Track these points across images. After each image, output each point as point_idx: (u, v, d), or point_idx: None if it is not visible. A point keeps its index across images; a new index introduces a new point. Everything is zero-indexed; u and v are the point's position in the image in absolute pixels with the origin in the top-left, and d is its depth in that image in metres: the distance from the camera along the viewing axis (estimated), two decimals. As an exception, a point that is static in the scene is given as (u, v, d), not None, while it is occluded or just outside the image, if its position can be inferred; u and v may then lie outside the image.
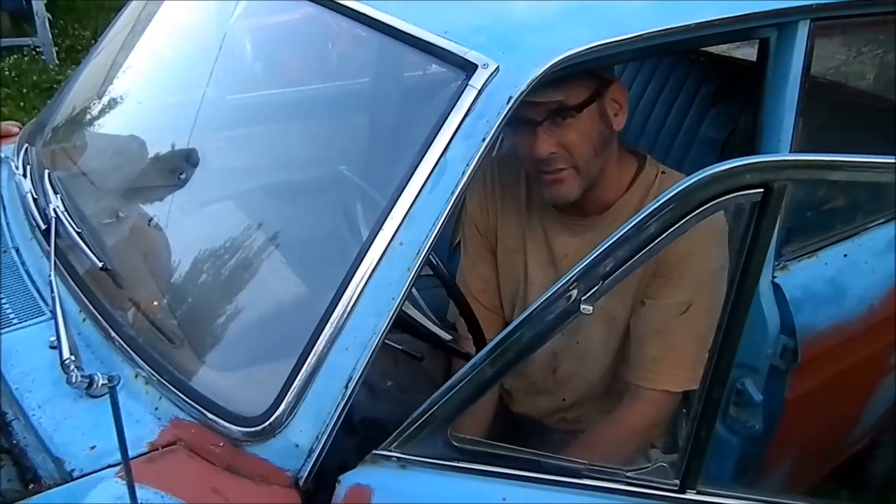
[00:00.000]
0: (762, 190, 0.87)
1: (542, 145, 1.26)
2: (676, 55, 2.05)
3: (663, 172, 1.40)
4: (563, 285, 0.93)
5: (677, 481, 0.99)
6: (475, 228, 1.53)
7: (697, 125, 2.06)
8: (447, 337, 1.33)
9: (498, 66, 1.07)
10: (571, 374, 1.48)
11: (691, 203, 0.91)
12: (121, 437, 0.87)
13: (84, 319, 1.22)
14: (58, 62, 5.56)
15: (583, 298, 0.92)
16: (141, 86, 1.79)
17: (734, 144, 1.93)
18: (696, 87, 2.08)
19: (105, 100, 1.78)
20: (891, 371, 1.83)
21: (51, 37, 5.61)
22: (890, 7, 1.54)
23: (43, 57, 5.59)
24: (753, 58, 1.66)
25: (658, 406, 1.34)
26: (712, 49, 2.14)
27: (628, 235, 0.91)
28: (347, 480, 1.02)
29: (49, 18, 5.58)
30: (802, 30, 1.39)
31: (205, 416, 1.05)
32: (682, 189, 0.89)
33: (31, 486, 1.02)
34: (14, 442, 1.07)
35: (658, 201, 0.90)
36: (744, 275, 0.90)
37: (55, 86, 4.87)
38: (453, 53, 1.10)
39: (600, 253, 0.92)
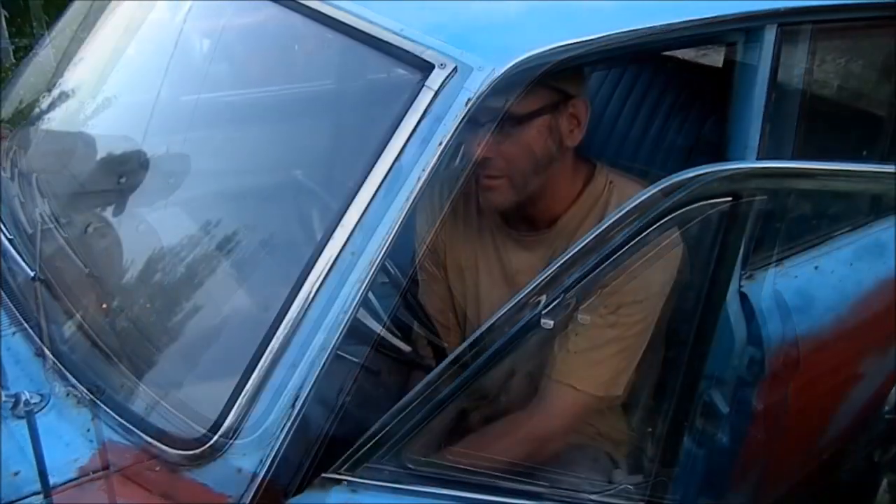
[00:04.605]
0: (731, 199, 0.83)
1: (478, 148, 1.19)
2: (642, 59, 2.02)
3: (611, 182, 1.35)
4: (521, 299, 0.88)
5: (642, 503, 0.95)
6: (424, 245, 1.48)
7: (664, 131, 2.03)
8: (406, 349, 1.28)
9: (456, 67, 1.02)
10: (524, 391, 1.43)
11: (655, 212, 0.86)
12: (40, 464, 0.80)
13: (14, 333, 1.14)
14: (14, 61, 5.40)
15: (543, 313, 0.87)
16: (89, 84, 1.71)
17: (701, 152, 1.90)
18: (661, 94, 2.05)
19: (51, 97, 1.69)
20: (858, 380, 1.82)
21: (7, 35, 5.45)
22: (857, 13, 1.52)
23: (-1, 56, 5.43)
24: (716, 66, 1.65)
25: (564, 403, 1.26)
26: (679, 55, 2.12)
27: (590, 247, 0.87)
28: (294, 506, 0.95)
29: (6, 16, 5.42)
30: (769, 35, 1.36)
31: (141, 438, 0.98)
32: (646, 198, 0.84)
33: (-53, 516, 0.94)
34: (-70, 467, 0.99)
35: (620, 211, 0.85)
36: (712, 285, 0.85)
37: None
38: (409, 52, 1.04)
39: (560, 265, 0.87)
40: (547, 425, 1.29)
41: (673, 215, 0.85)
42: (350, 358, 1.34)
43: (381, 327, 1.22)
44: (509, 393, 1.44)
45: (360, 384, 1.38)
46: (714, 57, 2.30)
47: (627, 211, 0.85)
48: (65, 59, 1.74)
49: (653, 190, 0.85)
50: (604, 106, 2.09)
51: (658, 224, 0.86)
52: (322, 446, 1.13)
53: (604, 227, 0.86)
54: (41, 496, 0.92)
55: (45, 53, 1.81)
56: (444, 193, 1.43)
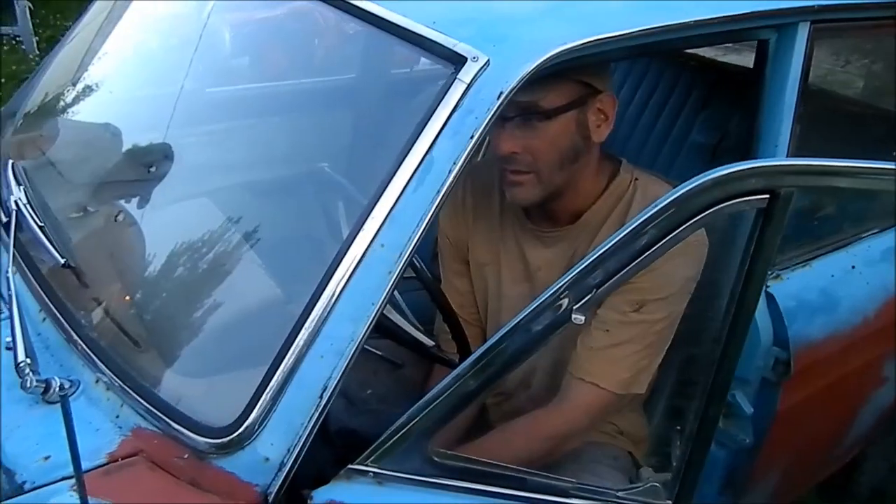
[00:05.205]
0: (768, 196, 0.82)
1: (505, 143, 1.20)
2: (671, 55, 2.01)
3: (636, 179, 1.34)
4: (553, 294, 0.88)
5: (669, 502, 0.94)
6: (448, 241, 1.47)
7: (687, 131, 2.02)
8: (429, 343, 1.28)
9: (488, 60, 1.01)
10: (544, 387, 1.43)
11: (691, 208, 0.85)
12: (73, 449, 0.80)
13: (44, 319, 1.15)
14: (38, 52, 5.45)
15: (574, 308, 0.87)
16: (115, 75, 1.71)
17: (725, 150, 1.89)
18: (685, 92, 2.04)
19: (78, 88, 1.70)
20: (882, 383, 1.80)
21: (31, 26, 5.50)
22: (891, 11, 1.50)
23: (23, 47, 5.48)
24: (739, 64, 1.62)
25: (586, 401, 1.25)
26: (702, 53, 2.11)
27: (623, 242, 0.86)
28: (320, 497, 0.95)
29: (30, 8, 5.47)
30: (802, 32, 1.35)
31: (169, 425, 0.98)
32: (682, 194, 0.83)
33: (-22, 499, 0.95)
34: (-38, 450, 1.00)
35: (656, 206, 0.84)
36: (746, 285, 0.84)
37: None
38: (441, 45, 1.04)
39: (593, 260, 0.87)
40: (568, 422, 1.28)
41: (709, 211, 0.84)
42: (374, 351, 1.35)
43: (404, 321, 1.22)
44: (530, 389, 1.43)
45: (384, 377, 1.39)
46: (732, 56, 2.29)
47: (663, 206, 0.84)
48: (89, 53, 1.75)
49: (689, 186, 0.84)
50: (626, 104, 2.08)
51: (694, 220, 0.85)
52: (348, 438, 1.13)
53: (639, 222, 0.85)
54: (70, 481, 0.93)
55: (70, 47, 1.82)
56: (468, 187, 1.43)
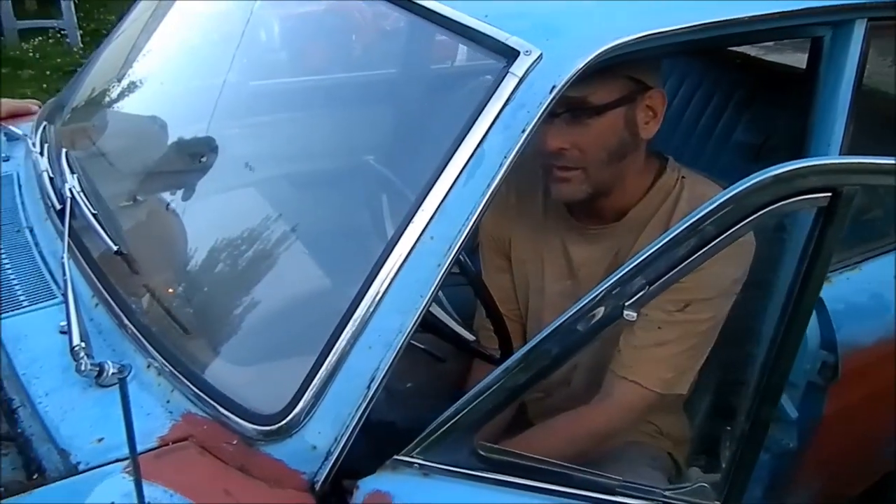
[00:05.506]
0: (829, 194, 0.81)
1: (553, 139, 1.19)
2: (716, 53, 1.98)
3: (684, 177, 1.32)
4: (605, 289, 0.87)
5: (718, 503, 0.93)
6: (490, 237, 1.47)
7: (730, 130, 1.99)
8: (470, 338, 1.27)
9: (541, 54, 1.00)
10: (583, 387, 1.42)
11: (749, 206, 0.84)
12: (129, 431, 0.82)
13: (96, 305, 1.17)
14: (81, 45, 5.57)
15: (626, 304, 0.86)
16: (162, 68, 1.74)
17: (769, 150, 1.86)
18: (729, 91, 2.01)
19: (126, 81, 1.74)
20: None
21: (76, 20, 5.62)
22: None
23: (67, 40, 5.60)
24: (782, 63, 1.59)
25: (628, 399, 1.24)
26: (749, 51, 2.07)
27: (678, 238, 0.85)
28: (366, 486, 0.96)
29: (74, 1, 5.58)
30: (859, 29, 1.32)
31: (218, 411, 0.99)
32: (741, 191, 0.82)
33: (34, 478, 0.97)
34: (19, 430, 1.02)
35: (713, 203, 0.83)
36: (804, 286, 0.83)
37: (78, 69, 4.87)
38: (494, 39, 1.03)
39: (647, 256, 0.86)
40: (610, 421, 1.27)
41: (768, 209, 0.83)
42: (417, 344, 1.35)
43: (446, 315, 1.22)
44: (570, 387, 1.43)
45: (424, 371, 1.39)
46: (774, 56, 2.25)
47: (720, 203, 0.83)
48: (134, 49, 1.78)
49: (747, 183, 0.82)
50: (668, 102, 2.05)
51: (751, 218, 0.83)
52: (394, 429, 1.14)
53: (695, 219, 0.84)
54: (123, 463, 0.95)
55: (116, 44, 1.85)
56: (511, 184, 1.42)
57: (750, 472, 0.92)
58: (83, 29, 5.73)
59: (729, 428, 0.96)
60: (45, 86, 4.82)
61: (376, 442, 1.12)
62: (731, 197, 0.83)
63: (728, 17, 1.14)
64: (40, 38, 5.51)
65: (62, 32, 5.58)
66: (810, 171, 0.81)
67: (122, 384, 0.79)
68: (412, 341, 1.22)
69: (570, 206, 1.38)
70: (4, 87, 4.51)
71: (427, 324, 1.14)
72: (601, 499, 0.95)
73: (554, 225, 1.40)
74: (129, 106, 1.70)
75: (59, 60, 5.29)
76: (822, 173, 0.82)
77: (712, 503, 0.93)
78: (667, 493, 0.94)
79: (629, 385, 1.24)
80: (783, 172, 0.81)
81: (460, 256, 1.12)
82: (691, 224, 0.85)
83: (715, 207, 0.83)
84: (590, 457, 1.25)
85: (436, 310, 1.18)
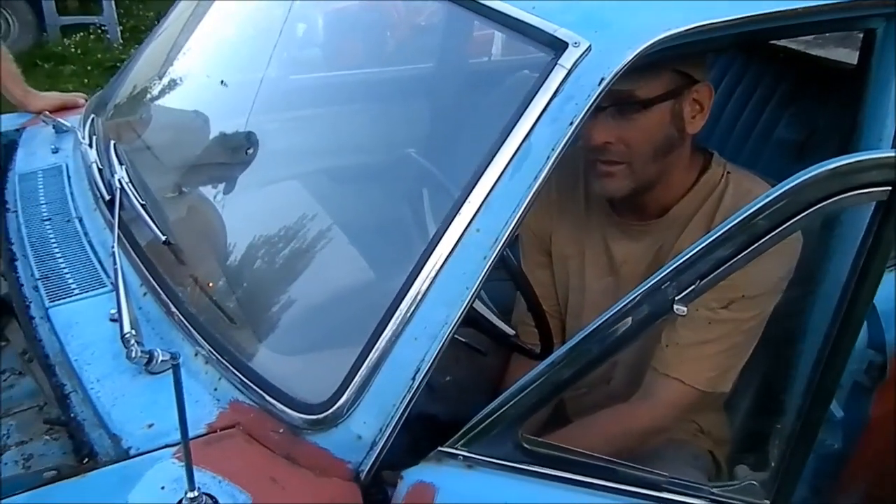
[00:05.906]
0: (890, 188, 0.79)
1: (598, 133, 1.17)
2: (759, 46, 1.94)
3: (729, 173, 1.29)
4: (654, 283, 0.86)
5: (767, 502, 0.91)
6: (531, 233, 1.46)
7: (773, 125, 1.95)
8: (510, 332, 1.27)
9: (590, 46, 0.99)
10: (624, 384, 1.40)
11: (804, 201, 0.82)
12: (182, 418, 0.83)
13: (145, 294, 1.19)
14: (122, 41, 5.67)
15: (677, 298, 0.85)
16: (204, 64, 1.76)
17: (813, 146, 1.82)
18: (772, 86, 1.97)
19: (169, 76, 1.76)
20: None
21: (116, 16, 5.72)
22: None
23: (108, 36, 5.70)
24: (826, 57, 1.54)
25: (670, 397, 1.22)
26: (792, 45, 2.03)
27: (731, 232, 0.84)
28: (410, 477, 0.96)
29: (115, -1, 5.68)
30: (913, 21, 1.28)
31: (265, 400, 1.01)
32: (797, 184, 0.80)
33: (86, 462, 0.99)
34: (71, 415, 1.05)
35: (768, 196, 0.82)
36: (860, 282, 0.81)
37: (118, 64, 4.96)
38: (542, 30, 1.03)
39: (699, 250, 0.85)
40: (652, 418, 1.26)
41: (825, 203, 0.81)
42: (458, 338, 1.35)
43: (486, 309, 1.22)
44: (610, 384, 1.42)
45: (465, 364, 1.39)
46: (816, 51, 2.19)
47: (775, 197, 0.81)
48: (175, 48, 1.80)
49: (805, 175, 0.81)
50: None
51: (807, 212, 0.82)
52: (438, 420, 1.14)
53: (749, 213, 0.82)
54: (172, 448, 0.97)
55: (157, 42, 1.88)
56: (552, 178, 1.41)
57: (800, 471, 0.90)
58: (123, 25, 5.83)
59: (779, 426, 0.95)
60: (86, 81, 4.92)
61: (414, 435, 1.13)
62: (785, 191, 0.81)
63: (779, 9, 1.11)
64: (82, 34, 5.61)
65: (103, 28, 5.69)
66: (872, 165, 0.79)
67: (176, 370, 0.80)
68: (456, 335, 1.23)
69: (612, 202, 1.36)
70: (47, 82, 4.61)
71: (467, 317, 1.14)
72: (647, 494, 0.94)
73: (595, 221, 1.39)
74: (172, 100, 1.73)
75: (99, 56, 5.39)
76: (882, 167, 0.80)
77: (761, 501, 0.92)
78: (714, 490, 0.93)
79: (672, 383, 1.22)
80: (842, 166, 0.80)
81: (504, 250, 1.12)
82: (743, 219, 0.84)
83: (769, 202, 0.82)
84: (630, 454, 1.25)
85: (476, 304, 1.18)
